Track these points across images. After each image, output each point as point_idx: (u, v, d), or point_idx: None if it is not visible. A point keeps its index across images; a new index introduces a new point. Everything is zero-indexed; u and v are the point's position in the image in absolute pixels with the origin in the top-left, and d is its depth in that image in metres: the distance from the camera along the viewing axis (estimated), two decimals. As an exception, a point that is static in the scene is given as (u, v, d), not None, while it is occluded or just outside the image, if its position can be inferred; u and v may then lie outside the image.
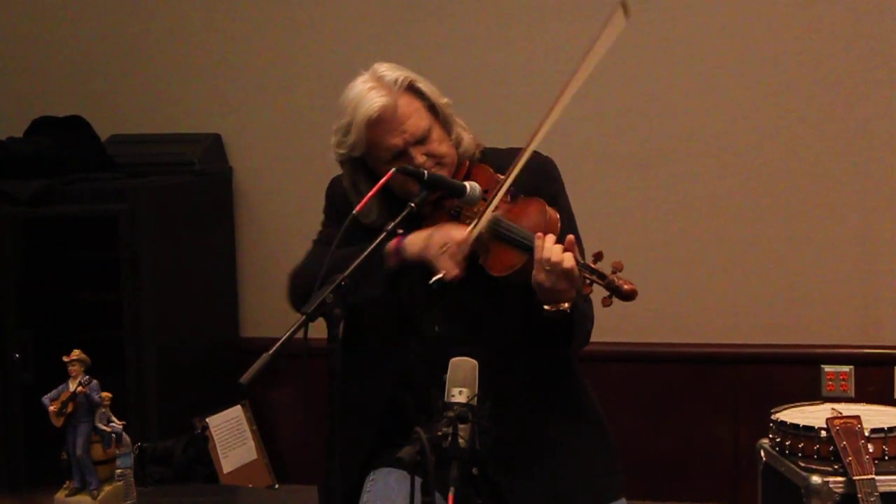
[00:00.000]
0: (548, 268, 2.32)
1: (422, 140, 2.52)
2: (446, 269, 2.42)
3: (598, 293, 2.36)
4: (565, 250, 2.33)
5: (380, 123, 2.49)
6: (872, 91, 3.98)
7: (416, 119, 2.51)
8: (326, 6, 4.43)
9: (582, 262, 2.35)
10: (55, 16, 4.71)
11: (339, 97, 2.56)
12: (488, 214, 2.47)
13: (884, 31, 3.95)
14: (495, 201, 2.47)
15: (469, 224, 2.48)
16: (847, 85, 3.99)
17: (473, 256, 2.47)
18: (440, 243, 2.44)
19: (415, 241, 2.48)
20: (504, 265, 2.44)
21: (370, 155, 2.54)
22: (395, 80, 2.51)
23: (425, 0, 4.31)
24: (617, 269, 2.34)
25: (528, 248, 2.39)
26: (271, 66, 4.50)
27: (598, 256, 2.37)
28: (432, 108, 2.55)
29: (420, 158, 2.51)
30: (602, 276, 2.34)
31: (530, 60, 4.21)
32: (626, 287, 2.32)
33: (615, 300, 2.33)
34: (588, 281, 2.35)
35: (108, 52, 4.65)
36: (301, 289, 2.51)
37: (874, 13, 3.96)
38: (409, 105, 2.51)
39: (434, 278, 2.42)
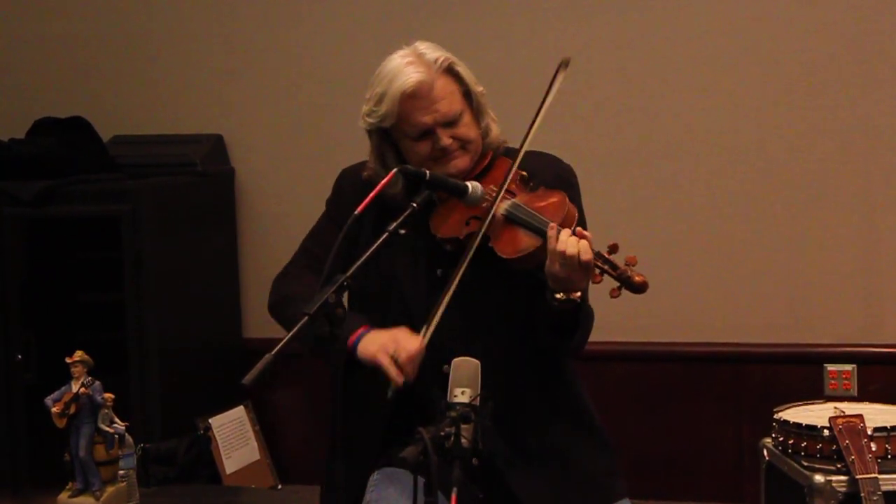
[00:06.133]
0: (562, 260, 2.32)
1: (451, 123, 2.51)
2: (394, 379, 2.35)
3: (607, 284, 2.35)
4: (580, 240, 2.33)
5: (413, 98, 2.48)
6: (874, 88, 3.97)
7: (449, 101, 2.50)
8: (329, 7, 4.43)
9: (596, 251, 2.35)
10: (57, 16, 4.71)
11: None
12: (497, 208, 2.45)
13: (886, 29, 3.95)
14: (501, 192, 2.45)
15: (473, 227, 2.47)
16: (849, 82, 3.99)
17: (484, 240, 2.46)
18: (390, 352, 2.35)
19: (367, 347, 2.38)
20: (514, 248, 2.42)
21: (397, 128, 2.52)
22: (436, 60, 2.50)
23: (429, 0, 4.31)
24: (630, 263, 2.34)
25: (542, 234, 2.38)
26: (274, 66, 4.50)
27: (612, 248, 2.36)
28: (467, 94, 2.55)
29: (446, 140, 2.50)
30: (614, 266, 2.33)
31: (533, 58, 4.21)
32: (637, 279, 2.31)
33: (624, 292, 2.32)
34: (599, 271, 2.34)
35: (110, 52, 4.65)
36: (286, 319, 2.51)
37: (876, 10, 3.95)
38: (445, 86, 2.50)
39: (389, 392, 2.36)
